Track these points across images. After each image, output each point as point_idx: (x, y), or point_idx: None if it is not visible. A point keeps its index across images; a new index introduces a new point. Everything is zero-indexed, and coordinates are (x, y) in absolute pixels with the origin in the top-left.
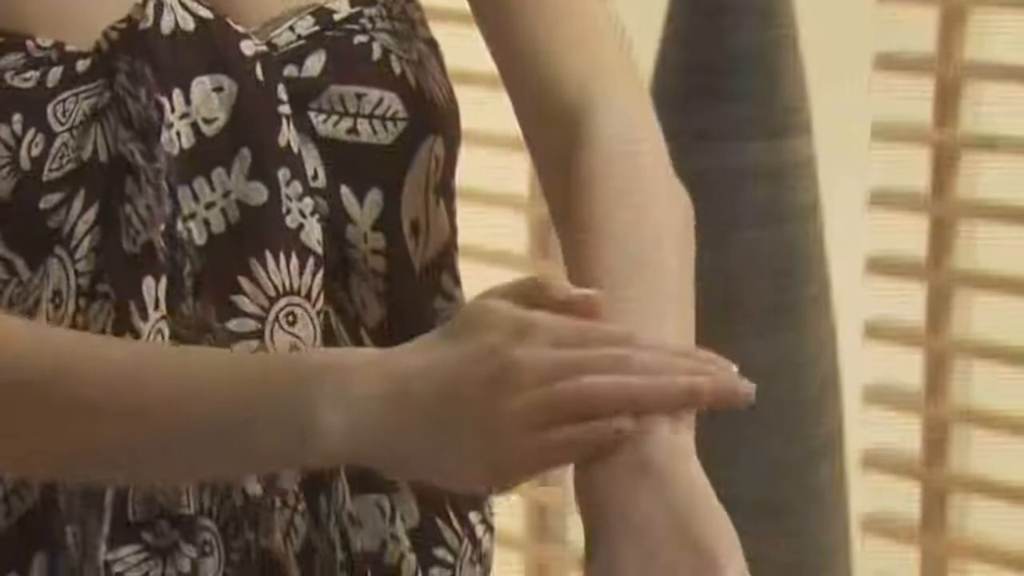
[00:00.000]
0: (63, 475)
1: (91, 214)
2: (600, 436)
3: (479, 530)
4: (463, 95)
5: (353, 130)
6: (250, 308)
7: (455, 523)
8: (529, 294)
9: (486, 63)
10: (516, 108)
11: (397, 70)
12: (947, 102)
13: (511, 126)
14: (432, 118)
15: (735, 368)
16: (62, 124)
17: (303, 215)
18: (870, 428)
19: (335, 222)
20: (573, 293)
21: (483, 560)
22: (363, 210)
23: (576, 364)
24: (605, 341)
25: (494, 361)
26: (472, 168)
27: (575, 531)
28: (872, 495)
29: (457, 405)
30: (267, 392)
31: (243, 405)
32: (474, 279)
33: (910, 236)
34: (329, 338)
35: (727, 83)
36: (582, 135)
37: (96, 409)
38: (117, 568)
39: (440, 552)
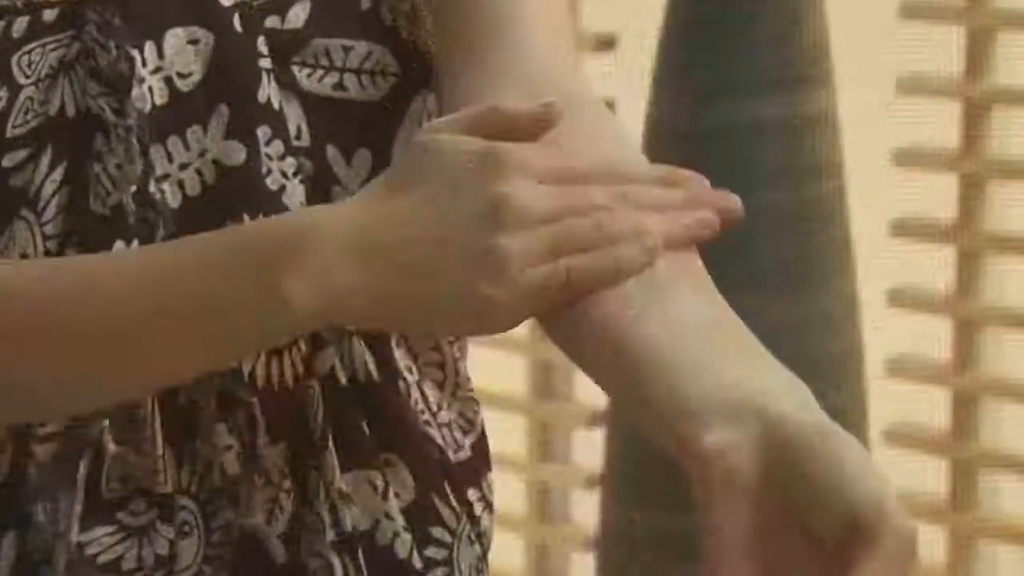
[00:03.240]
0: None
1: (59, 173)
2: (623, 262)
3: (477, 508)
4: None
5: (340, 85)
6: None
7: (452, 500)
8: (479, 123)
9: None
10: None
11: (388, 21)
12: (978, 53)
13: None
14: (425, 72)
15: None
16: (27, 77)
17: (285, 176)
18: (893, 401)
19: (320, 183)
20: (530, 108)
21: (481, 539)
22: (351, 171)
23: (581, 200)
24: (591, 175)
25: (480, 198)
26: None
27: (578, 510)
28: (896, 472)
29: (441, 248)
30: (232, 276)
31: (209, 291)
32: None
33: (937, 197)
34: None
35: (743, 31)
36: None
37: (61, 319)
38: (91, 550)
39: (436, 531)
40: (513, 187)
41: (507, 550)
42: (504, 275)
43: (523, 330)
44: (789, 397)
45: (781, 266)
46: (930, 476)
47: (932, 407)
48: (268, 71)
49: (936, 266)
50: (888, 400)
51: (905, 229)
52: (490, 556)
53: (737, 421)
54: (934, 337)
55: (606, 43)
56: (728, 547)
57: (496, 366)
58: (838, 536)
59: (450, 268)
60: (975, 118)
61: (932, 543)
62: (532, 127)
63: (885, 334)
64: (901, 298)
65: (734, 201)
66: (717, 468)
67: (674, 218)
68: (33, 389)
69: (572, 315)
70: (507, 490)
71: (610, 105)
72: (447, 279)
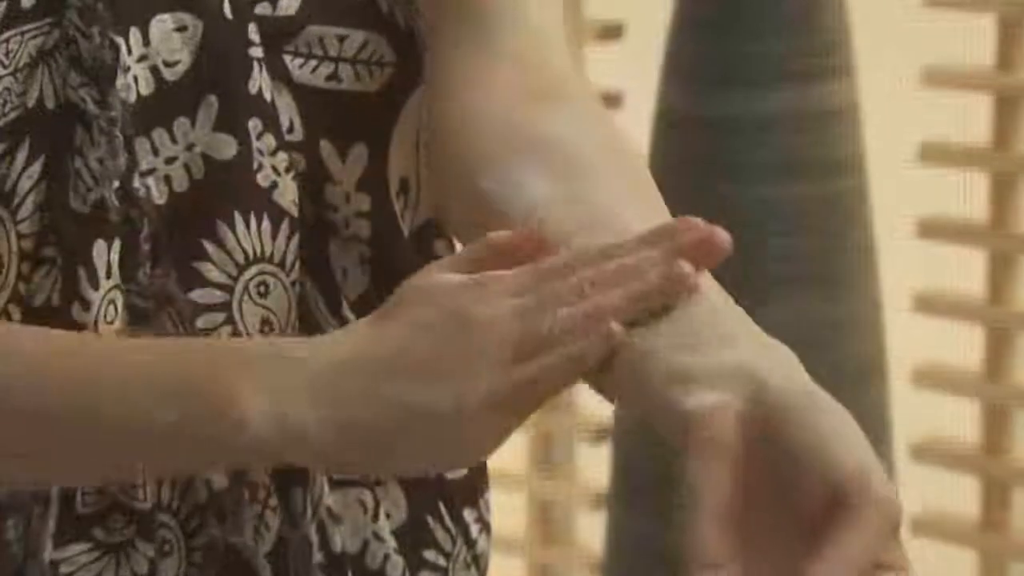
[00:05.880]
0: None
1: (36, 168)
2: (589, 352)
3: (474, 529)
4: None
5: (334, 76)
6: (216, 277)
7: (447, 521)
8: (471, 257)
9: None
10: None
11: (385, 9)
12: (1008, 43)
13: None
14: (423, 63)
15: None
16: (5, 67)
17: (277, 172)
18: (920, 413)
19: (313, 181)
20: (514, 233)
21: (478, 563)
22: (345, 167)
23: (541, 303)
24: (565, 272)
25: (450, 324)
26: None
27: (582, 530)
28: (923, 489)
29: (408, 376)
30: (188, 386)
31: (161, 401)
32: None
33: (967, 195)
34: (306, 312)
35: (755, 15)
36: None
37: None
38: (65, 568)
39: (430, 554)
40: (483, 308)
41: (508, 573)
42: (466, 390)
43: None
44: (776, 364)
45: (798, 267)
46: (959, 493)
47: (961, 419)
48: (259, 60)
49: (966, 269)
50: (914, 412)
51: (933, 229)
52: None
53: (722, 385)
54: (963, 344)
55: (613, 32)
56: (708, 513)
57: None
58: (819, 506)
59: (417, 391)
60: (1007, 111)
61: (962, 565)
62: (525, 251)
63: (911, 341)
64: (928, 303)
65: (719, 235)
66: (701, 431)
67: (639, 286)
68: None
69: None
70: (507, 509)
71: (617, 96)
72: (413, 403)
